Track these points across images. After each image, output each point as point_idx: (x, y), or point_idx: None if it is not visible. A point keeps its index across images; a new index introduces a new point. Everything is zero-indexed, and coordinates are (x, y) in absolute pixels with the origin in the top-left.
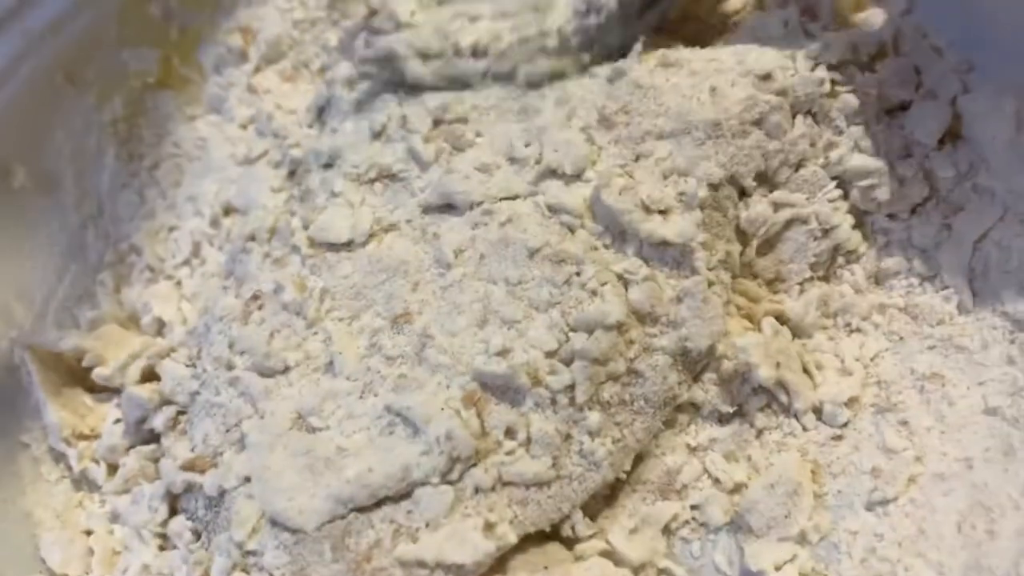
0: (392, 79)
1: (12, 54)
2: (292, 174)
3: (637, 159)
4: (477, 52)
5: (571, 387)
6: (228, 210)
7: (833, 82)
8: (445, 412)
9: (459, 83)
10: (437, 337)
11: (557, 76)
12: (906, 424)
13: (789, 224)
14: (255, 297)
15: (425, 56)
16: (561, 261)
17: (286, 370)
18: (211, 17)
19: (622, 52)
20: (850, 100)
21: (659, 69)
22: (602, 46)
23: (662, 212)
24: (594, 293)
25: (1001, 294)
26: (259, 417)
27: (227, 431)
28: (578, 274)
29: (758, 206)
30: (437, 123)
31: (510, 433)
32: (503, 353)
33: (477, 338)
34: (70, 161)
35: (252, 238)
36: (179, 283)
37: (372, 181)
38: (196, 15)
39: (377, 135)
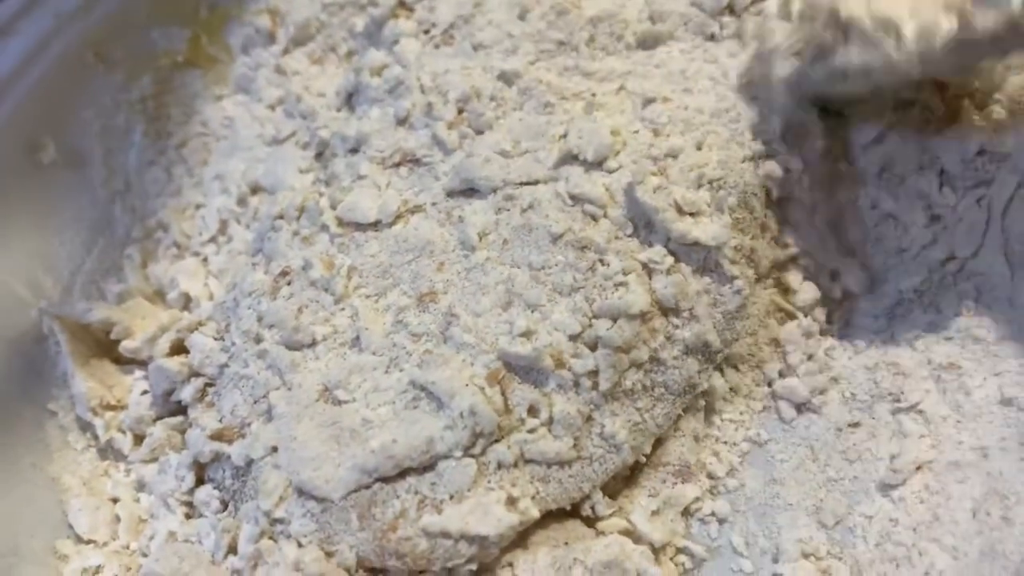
0: None
1: (43, 32)
2: (320, 155)
3: (667, 156)
4: None
5: (594, 372)
6: (255, 189)
7: None
8: (469, 388)
9: None
10: (462, 316)
11: None
12: (922, 413)
13: None
14: (284, 273)
15: None
16: (584, 247)
17: (313, 344)
18: None
19: None
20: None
21: None
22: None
23: (693, 214)
24: (619, 282)
25: (1019, 285)
26: (287, 389)
27: (255, 403)
28: (602, 261)
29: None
30: (461, 111)
31: (533, 411)
32: (527, 335)
33: (501, 319)
34: (99, 138)
35: (281, 217)
36: (205, 260)
37: (397, 165)
38: None
39: (402, 121)
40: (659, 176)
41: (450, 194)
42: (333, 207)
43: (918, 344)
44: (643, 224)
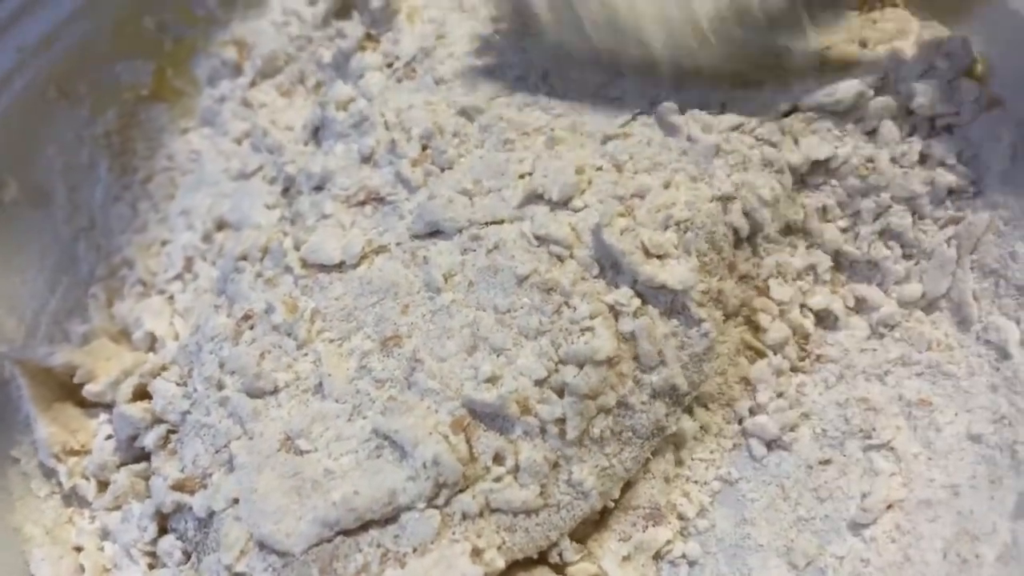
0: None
1: (5, 67)
2: (286, 191)
3: (633, 196)
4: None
5: (561, 420)
6: (221, 225)
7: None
8: (433, 436)
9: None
10: (427, 361)
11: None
12: (893, 450)
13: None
14: (246, 317)
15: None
16: (550, 290)
17: (276, 391)
18: (205, 30)
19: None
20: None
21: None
22: (754, 49)
23: (660, 256)
24: (585, 327)
25: (986, 322)
26: (248, 438)
27: (216, 452)
28: (567, 304)
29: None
30: (424, 148)
31: (498, 459)
32: (492, 380)
33: (466, 364)
34: (62, 174)
35: (244, 257)
36: (171, 298)
37: (361, 204)
38: (190, 28)
39: (367, 159)
40: (626, 217)
41: (415, 235)
42: (297, 248)
43: (889, 379)
44: (609, 265)
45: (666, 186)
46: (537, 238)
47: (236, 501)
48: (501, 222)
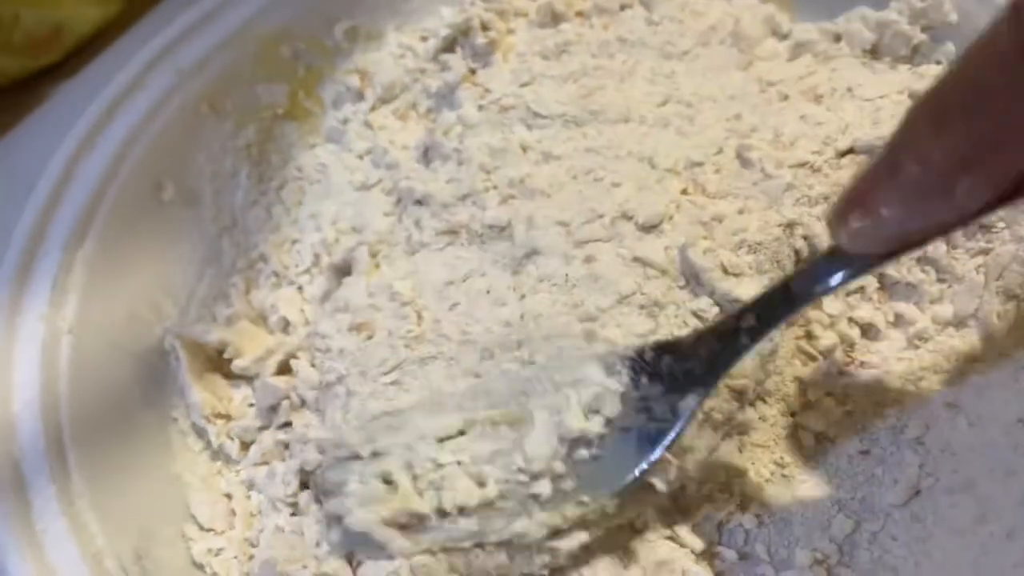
0: None
1: (165, 88)
2: (400, 202)
3: (713, 220)
4: (464, 511)
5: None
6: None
7: None
8: None
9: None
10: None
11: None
12: (923, 444)
13: None
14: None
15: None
16: (650, 302)
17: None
18: (332, 59)
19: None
20: None
21: None
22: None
23: (736, 275)
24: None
25: (1007, 340)
26: None
27: None
28: (660, 311)
29: None
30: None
31: None
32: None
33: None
34: (210, 179)
35: None
36: (300, 288)
37: (460, 229)
38: (320, 56)
39: (462, 185)
40: (708, 239)
41: (514, 257)
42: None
43: (921, 384)
44: (693, 279)
45: (740, 212)
46: (634, 258)
47: None
48: (597, 240)
